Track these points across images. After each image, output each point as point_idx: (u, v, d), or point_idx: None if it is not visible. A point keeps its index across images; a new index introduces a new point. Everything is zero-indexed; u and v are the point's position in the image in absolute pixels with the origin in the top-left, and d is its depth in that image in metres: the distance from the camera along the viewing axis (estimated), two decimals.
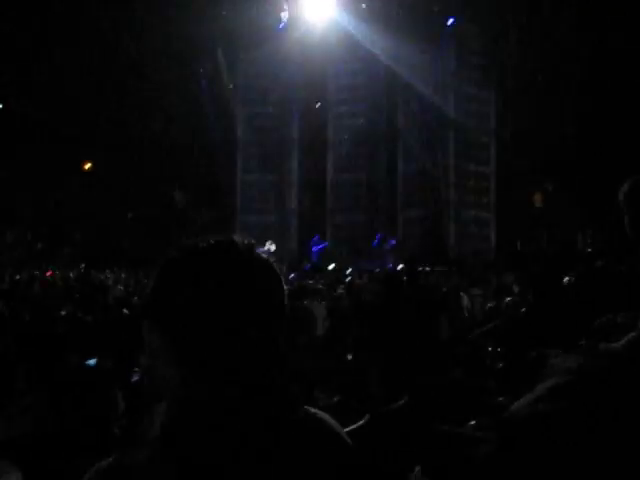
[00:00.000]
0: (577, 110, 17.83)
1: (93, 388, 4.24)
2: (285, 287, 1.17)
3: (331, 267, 19.83)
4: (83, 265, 19.16)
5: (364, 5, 21.09)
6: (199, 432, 1.03)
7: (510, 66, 19.27)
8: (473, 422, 2.36)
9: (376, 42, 20.96)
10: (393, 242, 20.13)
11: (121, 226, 22.83)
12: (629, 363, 0.90)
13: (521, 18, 18.80)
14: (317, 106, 23.53)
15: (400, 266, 17.89)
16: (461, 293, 9.63)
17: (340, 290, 9.42)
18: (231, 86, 23.91)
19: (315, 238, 21.08)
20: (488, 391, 3.13)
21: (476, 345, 4.42)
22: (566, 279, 4.70)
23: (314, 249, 20.81)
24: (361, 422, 2.79)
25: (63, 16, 19.09)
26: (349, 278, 15.11)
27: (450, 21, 20.43)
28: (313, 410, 1.20)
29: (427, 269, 14.17)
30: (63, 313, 6.46)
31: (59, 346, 5.08)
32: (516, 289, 8.69)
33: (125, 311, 6.86)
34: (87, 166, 23.75)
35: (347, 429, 2.63)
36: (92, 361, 5.11)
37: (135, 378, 5.22)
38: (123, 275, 15.57)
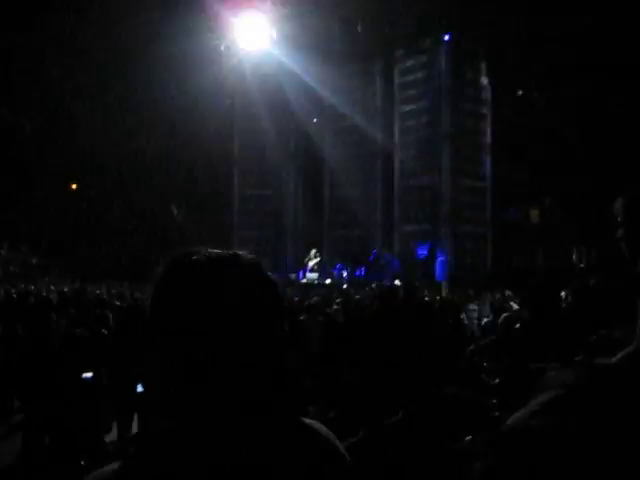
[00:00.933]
0: (575, 125, 17.91)
1: (88, 400, 4.21)
2: (283, 301, 1.17)
3: (328, 281, 19.88)
4: (79, 280, 19.09)
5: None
6: (181, 447, 1.02)
7: (507, 83, 19.37)
8: (469, 437, 2.35)
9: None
10: (388, 256, 20.33)
11: (119, 240, 22.78)
12: (622, 376, 0.90)
13: (519, 36, 18.92)
14: (314, 121, 23.63)
15: (397, 281, 18.04)
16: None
17: (335, 306, 9.39)
18: (229, 102, 23.99)
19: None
20: (484, 406, 3.11)
21: (473, 360, 4.41)
22: (562, 294, 4.69)
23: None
24: (356, 437, 2.77)
25: (60, 33, 19.18)
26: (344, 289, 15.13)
27: (446, 37, 20.57)
28: (308, 421, 1.18)
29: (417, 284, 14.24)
30: (58, 328, 6.44)
31: (54, 362, 5.07)
32: (514, 306, 8.68)
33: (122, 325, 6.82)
34: (73, 186, 23.63)
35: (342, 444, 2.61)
36: (88, 374, 5.10)
37: (140, 389, 5.21)
38: (114, 290, 15.50)
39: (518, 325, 4.31)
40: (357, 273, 20.49)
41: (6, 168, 20.30)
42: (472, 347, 5.10)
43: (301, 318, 7.46)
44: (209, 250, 1.11)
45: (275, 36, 20.76)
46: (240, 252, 1.13)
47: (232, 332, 1.03)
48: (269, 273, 1.14)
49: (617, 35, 16.52)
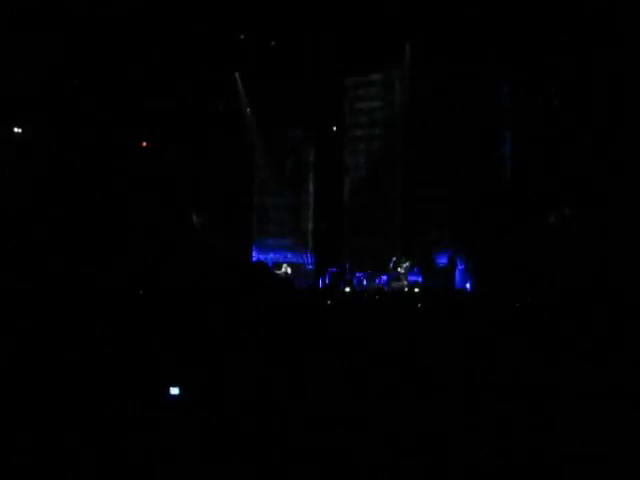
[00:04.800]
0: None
1: None
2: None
3: (347, 289, 19.93)
4: None
5: None
6: None
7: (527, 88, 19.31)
8: None
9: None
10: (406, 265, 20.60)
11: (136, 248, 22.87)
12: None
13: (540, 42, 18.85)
14: (334, 129, 23.68)
15: (416, 289, 18.14)
16: None
17: None
18: (248, 110, 24.12)
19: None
20: None
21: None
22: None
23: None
24: None
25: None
26: None
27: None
28: None
29: None
30: None
31: None
32: None
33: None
34: None
35: None
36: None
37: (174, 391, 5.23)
38: None
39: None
40: (378, 281, 20.55)
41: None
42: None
43: None
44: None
45: None
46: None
47: None
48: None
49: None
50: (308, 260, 23.65)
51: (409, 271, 20.81)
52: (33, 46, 17.80)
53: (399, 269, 20.77)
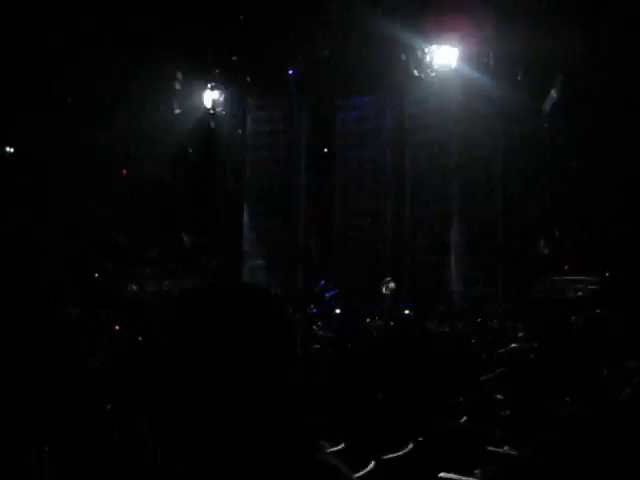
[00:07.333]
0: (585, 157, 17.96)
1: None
2: (295, 332, 1.18)
3: (338, 311, 19.80)
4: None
5: None
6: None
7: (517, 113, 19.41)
8: (479, 470, 2.35)
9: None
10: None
11: (129, 269, 22.77)
12: (627, 414, 0.92)
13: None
14: (325, 151, 23.75)
15: (406, 311, 18.02)
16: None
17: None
18: (239, 131, 24.18)
19: (322, 284, 21.39)
20: (494, 439, 3.11)
21: (483, 392, 4.40)
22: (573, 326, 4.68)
23: (327, 295, 21.14)
24: (367, 469, 2.78)
25: (77, 60, 19.41)
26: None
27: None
28: (325, 457, 1.18)
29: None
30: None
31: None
32: (520, 334, 8.67)
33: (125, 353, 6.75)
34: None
35: (355, 476, 2.59)
36: None
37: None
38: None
39: (532, 356, 4.31)
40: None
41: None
42: (483, 378, 5.08)
43: (316, 346, 7.45)
44: (216, 283, 1.14)
45: None
46: (245, 282, 1.18)
47: (234, 361, 1.04)
48: (275, 302, 1.16)
49: (622, 68, 16.63)
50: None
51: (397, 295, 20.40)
52: None
53: (384, 289, 20.40)
